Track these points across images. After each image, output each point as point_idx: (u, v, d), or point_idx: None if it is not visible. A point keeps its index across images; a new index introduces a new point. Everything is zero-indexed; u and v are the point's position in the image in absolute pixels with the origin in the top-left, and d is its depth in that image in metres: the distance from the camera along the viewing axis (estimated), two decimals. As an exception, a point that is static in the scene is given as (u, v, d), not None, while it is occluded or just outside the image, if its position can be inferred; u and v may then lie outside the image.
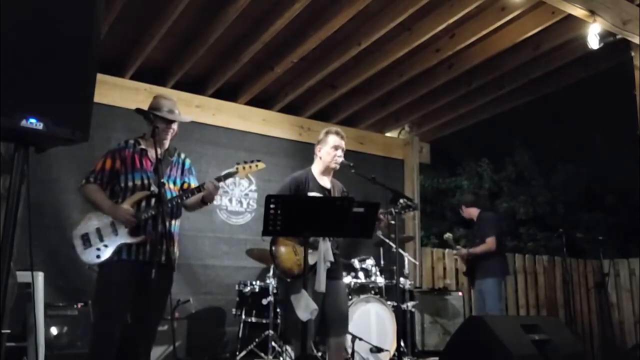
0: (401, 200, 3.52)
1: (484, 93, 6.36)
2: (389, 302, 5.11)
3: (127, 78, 5.46)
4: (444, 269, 7.31)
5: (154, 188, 3.11)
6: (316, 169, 3.71)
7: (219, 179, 3.22)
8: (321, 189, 3.63)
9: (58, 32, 1.65)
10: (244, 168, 3.32)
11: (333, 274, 3.45)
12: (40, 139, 1.66)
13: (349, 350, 4.56)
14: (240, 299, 5.03)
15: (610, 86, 8.08)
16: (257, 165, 3.34)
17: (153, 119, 3.11)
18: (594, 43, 4.50)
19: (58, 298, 4.48)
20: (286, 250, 3.45)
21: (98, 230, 3.03)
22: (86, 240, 3.02)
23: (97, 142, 4.08)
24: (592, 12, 4.42)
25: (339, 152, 3.63)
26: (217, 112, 5.97)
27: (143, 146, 3.23)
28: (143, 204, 3.10)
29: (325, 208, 3.04)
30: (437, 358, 4.88)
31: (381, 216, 3.44)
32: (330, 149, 3.64)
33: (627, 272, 7.40)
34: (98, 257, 3.00)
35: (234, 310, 5.06)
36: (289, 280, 3.41)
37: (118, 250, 3.02)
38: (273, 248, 3.47)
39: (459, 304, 6.24)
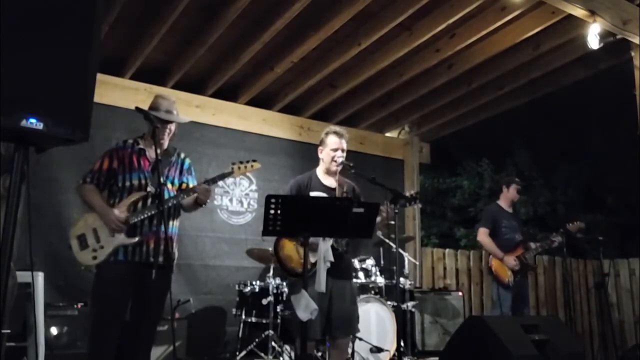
0: (406, 194, 3.52)
1: (484, 93, 6.36)
2: (389, 302, 5.11)
3: (127, 78, 5.46)
4: (444, 269, 7.30)
5: (150, 188, 3.10)
6: (320, 169, 3.71)
7: (210, 182, 3.21)
8: (325, 188, 3.61)
9: (58, 32, 1.65)
10: (239, 168, 3.32)
11: (340, 274, 3.43)
12: (40, 139, 1.66)
13: (349, 350, 4.56)
14: (241, 299, 5.03)
15: (610, 86, 8.07)
16: (252, 166, 3.34)
17: (152, 119, 3.10)
18: (594, 43, 4.50)
19: (58, 298, 4.48)
20: (289, 250, 3.46)
21: (95, 231, 3.02)
22: (83, 241, 3.01)
23: (97, 142, 4.07)
24: (592, 12, 4.42)
25: (339, 153, 3.61)
26: (217, 112, 5.97)
27: (142, 146, 3.22)
28: (140, 204, 3.09)
29: (325, 208, 3.04)
30: (437, 358, 4.87)
31: (382, 207, 3.38)
32: (329, 151, 3.62)
33: (627, 272, 7.40)
34: (94, 258, 2.98)
35: (234, 310, 5.06)
36: (293, 278, 3.42)
37: (115, 251, 3.01)
38: (276, 248, 3.48)
39: (459, 304, 6.24)
